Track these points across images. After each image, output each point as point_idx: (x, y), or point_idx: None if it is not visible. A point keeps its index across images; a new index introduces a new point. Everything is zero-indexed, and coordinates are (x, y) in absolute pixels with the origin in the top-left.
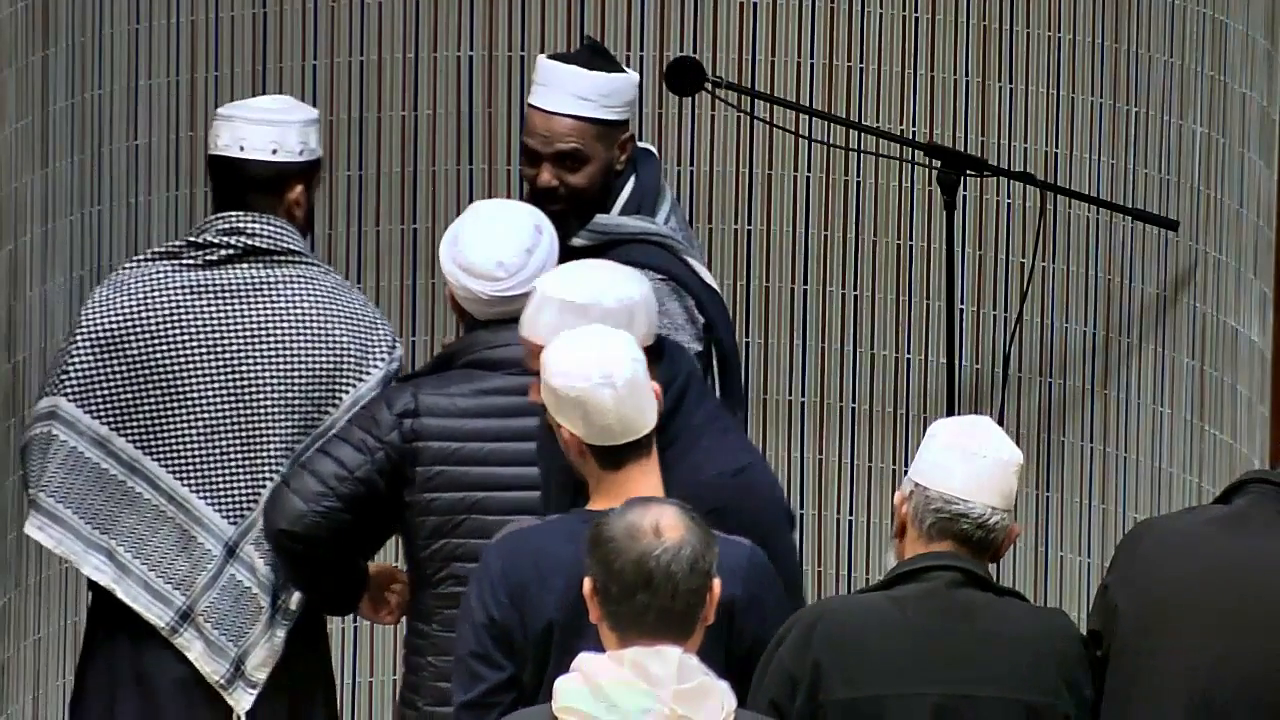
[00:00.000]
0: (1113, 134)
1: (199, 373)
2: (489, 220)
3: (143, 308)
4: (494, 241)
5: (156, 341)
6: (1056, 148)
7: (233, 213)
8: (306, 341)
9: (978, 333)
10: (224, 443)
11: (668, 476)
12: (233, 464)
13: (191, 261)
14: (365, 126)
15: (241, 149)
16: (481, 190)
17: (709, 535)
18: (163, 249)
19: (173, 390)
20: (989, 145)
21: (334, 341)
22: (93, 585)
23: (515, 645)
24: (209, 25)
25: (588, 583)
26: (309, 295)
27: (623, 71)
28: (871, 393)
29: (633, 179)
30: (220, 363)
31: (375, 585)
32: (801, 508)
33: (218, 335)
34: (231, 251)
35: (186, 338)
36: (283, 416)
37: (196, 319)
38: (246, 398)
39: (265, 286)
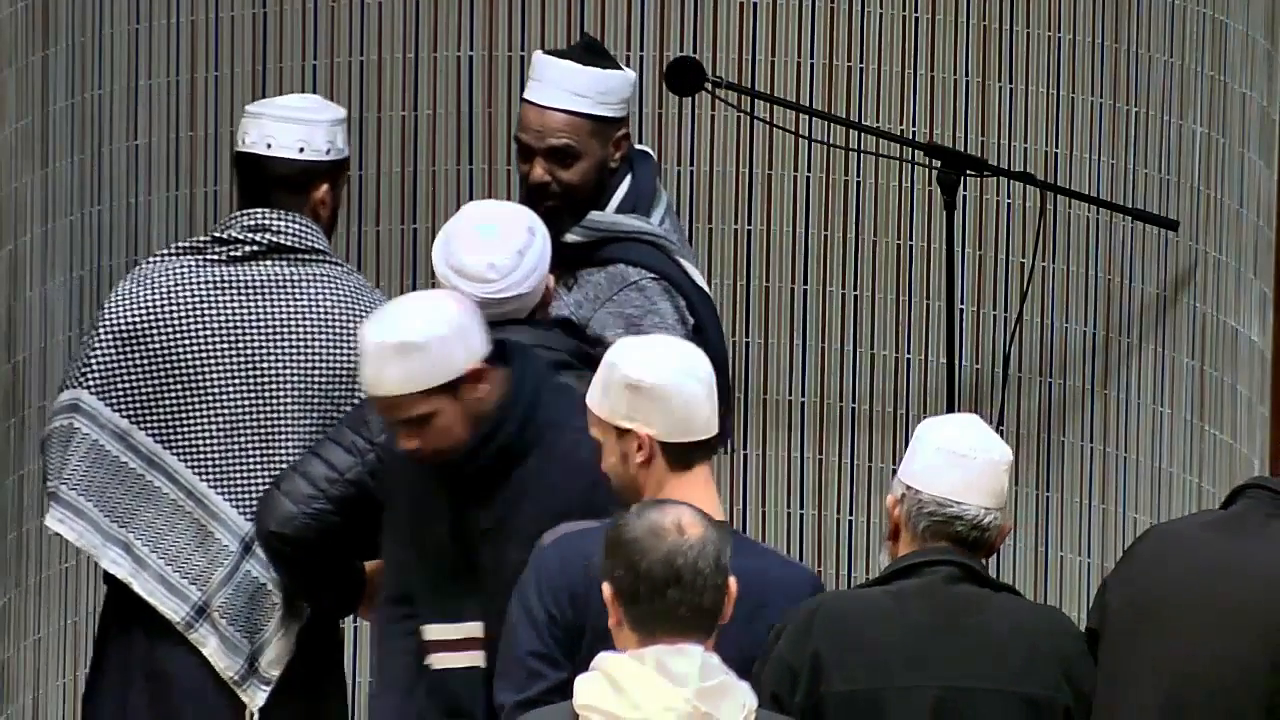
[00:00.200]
0: (1113, 134)
1: (219, 368)
2: (481, 222)
3: (165, 302)
4: (486, 243)
5: (178, 336)
6: (1056, 148)
7: (258, 209)
8: (327, 340)
9: (978, 333)
10: (243, 439)
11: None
12: (251, 460)
13: (216, 257)
14: (365, 126)
15: (269, 146)
16: (481, 190)
17: (726, 533)
18: (187, 244)
19: (193, 385)
20: (989, 145)
21: (354, 341)
22: (106, 580)
23: (575, 647)
24: (209, 25)
25: (607, 587)
26: (331, 294)
27: (619, 68)
28: (871, 393)
29: (628, 178)
30: (241, 359)
31: (374, 585)
32: (802, 508)
33: (239, 331)
34: (256, 248)
35: (208, 333)
36: (302, 414)
37: (219, 314)
38: (266, 394)
39: (288, 284)
